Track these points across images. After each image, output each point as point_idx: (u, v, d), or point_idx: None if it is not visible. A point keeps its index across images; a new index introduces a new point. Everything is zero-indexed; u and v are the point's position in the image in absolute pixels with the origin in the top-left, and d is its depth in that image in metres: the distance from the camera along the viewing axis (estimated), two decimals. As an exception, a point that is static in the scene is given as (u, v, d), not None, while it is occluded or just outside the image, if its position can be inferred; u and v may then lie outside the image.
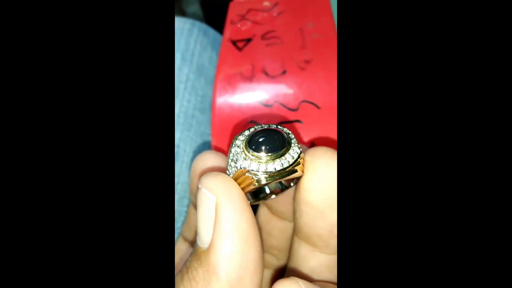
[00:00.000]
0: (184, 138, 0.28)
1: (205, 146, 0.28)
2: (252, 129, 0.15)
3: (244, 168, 0.14)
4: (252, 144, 0.14)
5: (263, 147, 0.14)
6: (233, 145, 0.15)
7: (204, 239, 0.13)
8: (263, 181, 0.14)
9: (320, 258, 0.16)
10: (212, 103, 0.24)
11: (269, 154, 0.14)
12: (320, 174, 0.15)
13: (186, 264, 0.14)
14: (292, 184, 0.17)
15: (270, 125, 0.15)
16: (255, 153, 0.14)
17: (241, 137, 0.15)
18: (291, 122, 0.23)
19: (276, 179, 0.14)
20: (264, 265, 0.20)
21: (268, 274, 0.20)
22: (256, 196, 0.18)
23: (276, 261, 0.20)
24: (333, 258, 0.16)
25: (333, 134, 0.23)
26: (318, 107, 0.23)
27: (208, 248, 0.13)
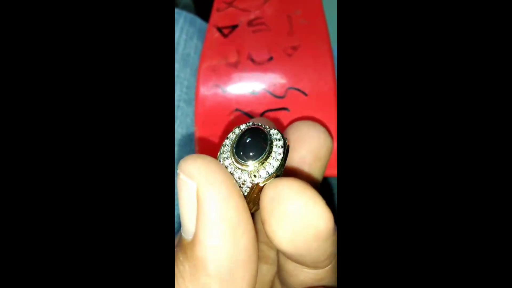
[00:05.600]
0: None
1: (190, 139, 0.27)
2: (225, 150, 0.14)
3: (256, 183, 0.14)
4: (240, 154, 0.14)
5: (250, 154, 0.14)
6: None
7: (188, 230, 0.12)
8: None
9: (309, 274, 0.15)
10: (196, 91, 0.23)
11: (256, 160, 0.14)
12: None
13: (175, 257, 0.13)
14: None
15: (248, 125, 0.15)
16: (245, 164, 0.14)
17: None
18: (277, 110, 0.22)
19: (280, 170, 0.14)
20: (271, 261, 0.19)
21: (273, 270, 0.19)
22: None
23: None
24: (323, 271, 0.15)
25: (320, 122, 0.22)
26: (305, 94, 0.22)
27: (193, 240, 0.12)
